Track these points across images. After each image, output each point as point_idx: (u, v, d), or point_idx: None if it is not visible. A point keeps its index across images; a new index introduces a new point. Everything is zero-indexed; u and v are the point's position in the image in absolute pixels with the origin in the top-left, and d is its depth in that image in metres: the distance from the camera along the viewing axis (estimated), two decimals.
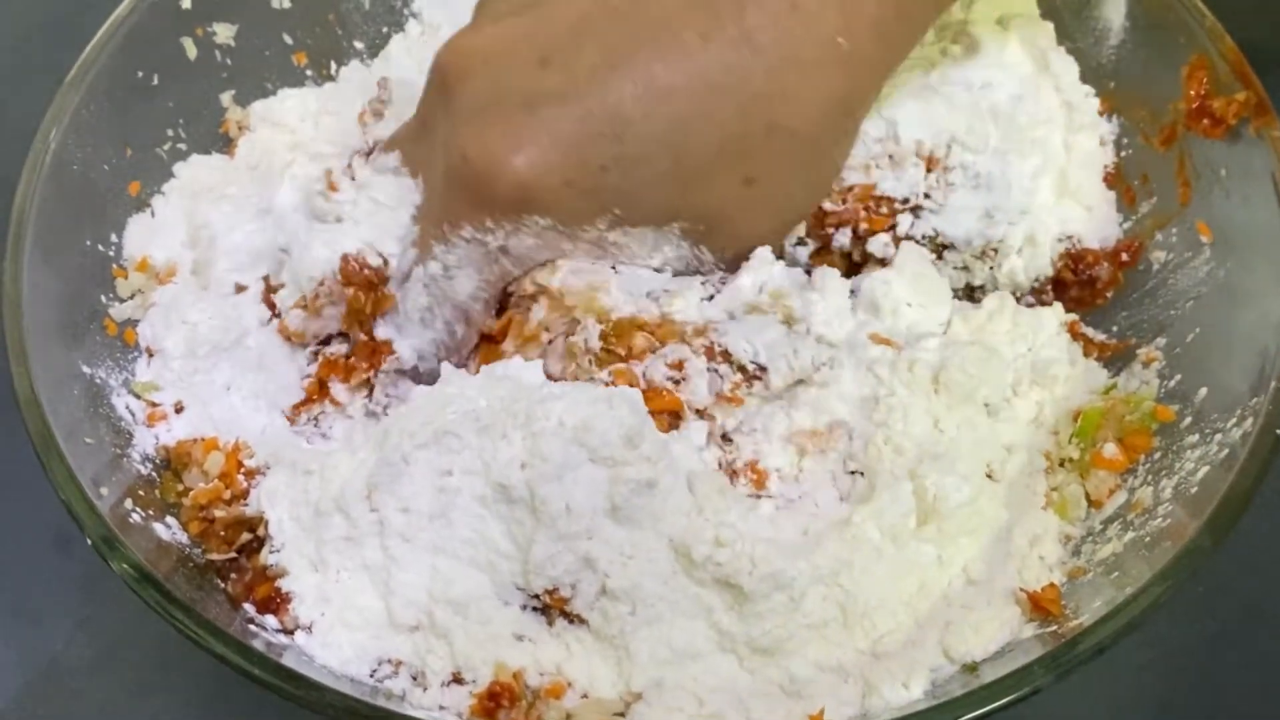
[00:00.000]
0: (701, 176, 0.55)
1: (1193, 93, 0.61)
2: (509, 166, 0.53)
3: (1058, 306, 0.62)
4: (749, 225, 0.58)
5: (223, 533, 0.56)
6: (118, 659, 0.67)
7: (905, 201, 0.61)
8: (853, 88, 0.57)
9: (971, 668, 0.51)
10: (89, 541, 0.50)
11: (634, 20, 0.54)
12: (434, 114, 0.57)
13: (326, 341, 0.62)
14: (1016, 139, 0.63)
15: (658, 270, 0.59)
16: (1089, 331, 0.63)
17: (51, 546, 0.70)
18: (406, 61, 0.74)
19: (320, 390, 0.62)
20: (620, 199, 0.55)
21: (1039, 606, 0.53)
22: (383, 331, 0.60)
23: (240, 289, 0.63)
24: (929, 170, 0.61)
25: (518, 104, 0.54)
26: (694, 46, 0.53)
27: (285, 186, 0.63)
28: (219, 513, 0.56)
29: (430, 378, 0.59)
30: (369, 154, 0.62)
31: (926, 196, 0.62)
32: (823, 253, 0.63)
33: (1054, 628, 0.51)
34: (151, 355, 0.62)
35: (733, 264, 0.60)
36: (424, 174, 0.59)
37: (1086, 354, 0.62)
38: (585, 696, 0.51)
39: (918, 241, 0.62)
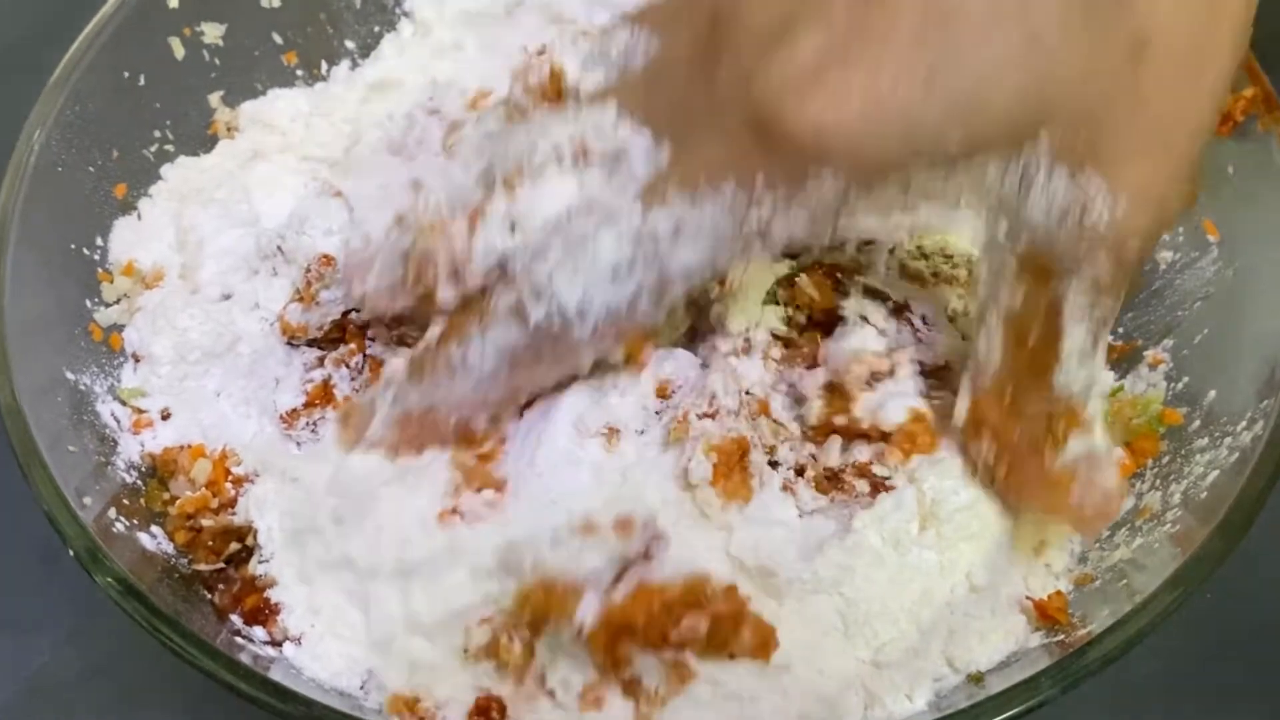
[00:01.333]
0: (1069, 44, 0.40)
1: None
2: (804, 106, 0.41)
3: None
4: (1147, 129, 0.43)
5: (210, 542, 0.55)
6: (107, 671, 0.66)
7: None
8: None
9: (977, 678, 0.50)
10: (71, 553, 0.49)
11: None
12: (701, 54, 0.46)
13: (331, 343, 0.61)
14: None
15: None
16: None
17: (40, 556, 0.69)
18: (398, 62, 0.73)
19: (324, 393, 0.60)
20: (957, 114, 0.41)
21: (1045, 615, 0.52)
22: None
23: (226, 296, 0.62)
24: None
25: (815, 20, 0.41)
26: None
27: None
28: (206, 522, 0.55)
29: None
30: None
31: None
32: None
33: (1061, 637, 0.50)
34: (138, 361, 0.61)
35: (1140, 211, 0.44)
36: (672, 127, 0.47)
37: None
38: None
39: None
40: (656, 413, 0.55)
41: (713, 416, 0.52)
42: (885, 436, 0.53)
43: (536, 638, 0.49)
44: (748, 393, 0.55)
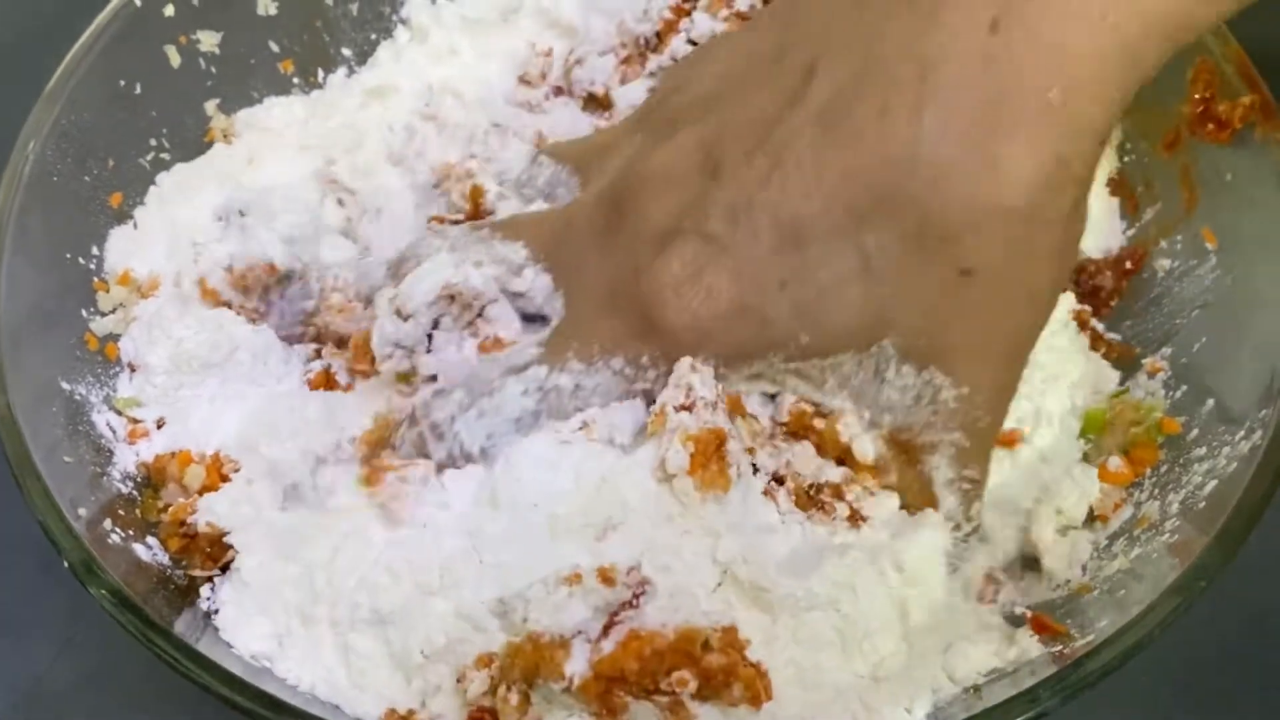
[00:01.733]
0: (902, 273, 0.47)
1: (1197, 96, 0.60)
2: (685, 305, 0.50)
3: (1069, 295, 0.61)
4: (979, 334, 0.49)
5: (208, 549, 0.55)
6: (103, 680, 0.66)
7: None
8: (1073, 150, 0.46)
9: (975, 690, 0.50)
10: (66, 564, 0.49)
11: (803, 110, 0.48)
12: (599, 229, 0.54)
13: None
14: None
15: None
16: (1097, 325, 0.62)
17: (37, 563, 0.68)
18: (394, 68, 0.73)
19: (326, 381, 0.60)
20: (803, 318, 0.49)
21: (1044, 626, 0.51)
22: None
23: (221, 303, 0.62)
24: None
25: (693, 231, 0.50)
26: (869, 123, 0.46)
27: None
28: (202, 528, 0.55)
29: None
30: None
31: None
32: None
33: (1060, 647, 0.50)
34: (134, 370, 0.60)
35: (985, 400, 0.51)
36: (569, 285, 0.56)
37: (1095, 348, 0.61)
38: None
39: None
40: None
41: (689, 409, 0.51)
42: (854, 462, 0.54)
43: (531, 688, 0.48)
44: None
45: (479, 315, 0.57)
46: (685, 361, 0.52)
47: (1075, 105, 0.45)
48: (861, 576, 0.51)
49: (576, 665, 0.47)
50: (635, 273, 0.51)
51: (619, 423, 0.54)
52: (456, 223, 0.63)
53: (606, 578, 0.48)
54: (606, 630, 0.48)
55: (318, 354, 0.62)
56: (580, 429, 0.53)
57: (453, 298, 0.56)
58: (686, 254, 0.50)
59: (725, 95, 0.53)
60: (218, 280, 0.62)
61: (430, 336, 0.57)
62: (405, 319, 0.57)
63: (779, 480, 0.53)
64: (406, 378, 0.58)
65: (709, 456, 0.50)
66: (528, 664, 0.48)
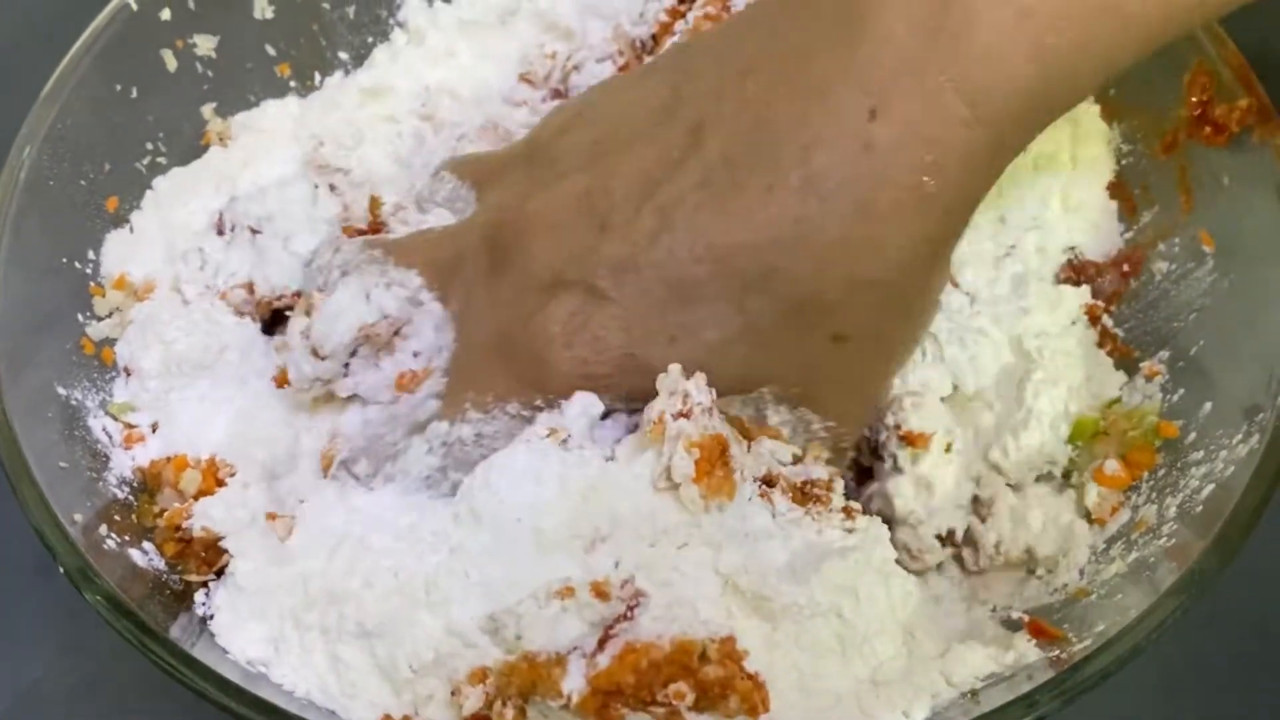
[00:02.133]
0: (780, 338, 0.50)
1: (1194, 100, 0.60)
2: (572, 353, 0.51)
3: (1083, 289, 0.61)
4: (846, 384, 0.53)
5: (203, 554, 0.55)
6: (101, 684, 0.66)
7: None
8: (942, 228, 0.50)
9: (973, 694, 0.50)
10: (62, 570, 0.49)
11: (692, 173, 0.50)
12: (485, 268, 0.55)
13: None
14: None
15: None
16: (1107, 322, 0.62)
17: (33, 568, 0.69)
18: (391, 69, 0.72)
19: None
20: (692, 370, 0.51)
21: (1041, 631, 0.51)
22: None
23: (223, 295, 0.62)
24: None
25: (580, 282, 0.51)
26: (756, 198, 0.48)
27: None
28: (197, 533, 0.55)
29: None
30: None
31: None
32: None
33: (1057, 652, 0.50)
34: (129, 375, 0.60)
35: (849, 430, 0.55)
36: (461, 319, 0.56)
37: (1101, 344, 0.61)
38: None
39: None
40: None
41: (687, 415, 0.51)
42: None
43: (527, 704, 0.48)
44: None
45: (396, 334, 0.57)
46: (675, 368, 0.52)
47: (947, 193, 0.48)
48: (862, 579, 0.51)
49: (574, 682, 0.47)
50: (524, 321, 0.52)
51: (601, 436, 0.53)
52: (362, 232, 0.63)
53: (600, 592, 0.48)
54: (602, 644, 0.48)
55: None
56: (548, 435, 0.53)
57: (368, 337, 0.57)
58: (574, 305, 0.51)
59: (613, 144, 0.54)
60: (238, 299, 0.62)
61: (347, 364, 0.58)
62: (323, 359, 0.57)
63: (769, 483, 0.53)
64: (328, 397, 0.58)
65: (714, 463, 0.50)
66: (524, 682, 0.47)
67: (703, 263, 0.49)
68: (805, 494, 0.53)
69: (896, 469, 0.57)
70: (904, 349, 0.56)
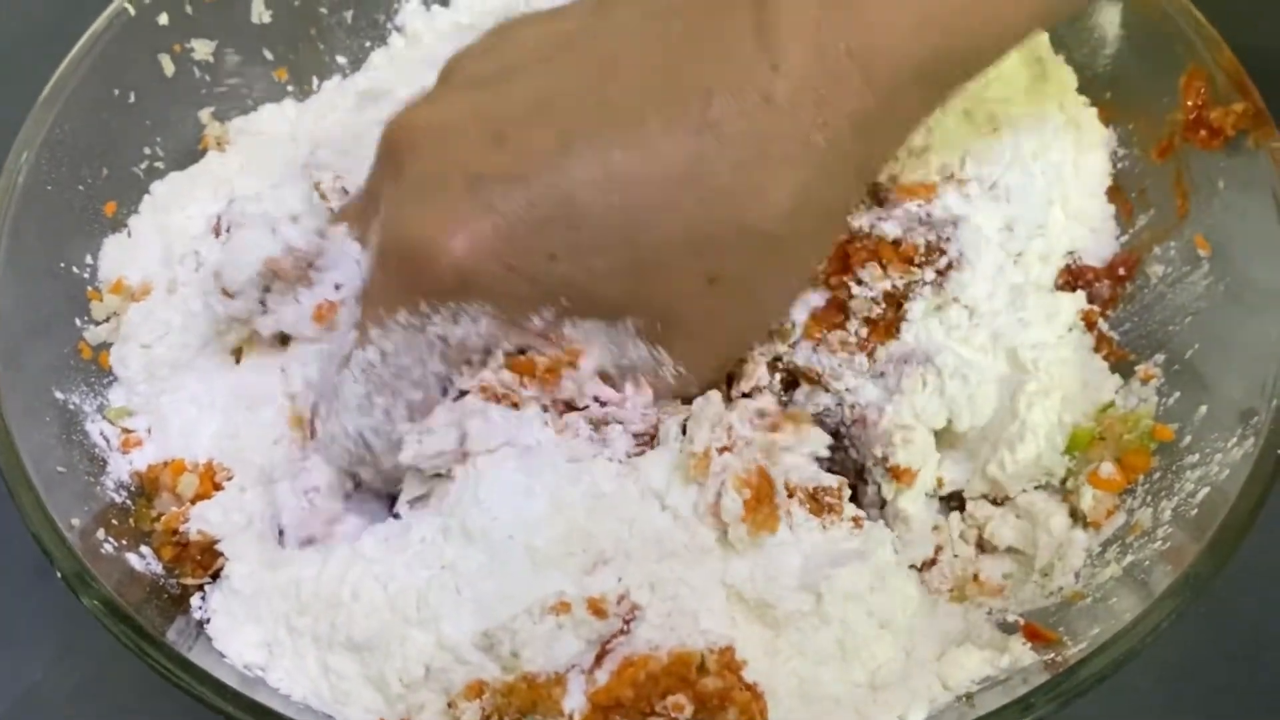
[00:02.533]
0: (660, 271, 0.52)
1: (1190, 104, 0.60)
2: (445, 248, 0.50)
3: (1079, 295, 0.61)
4: (709, 329, 0.55)
5: (199, 557, 0.55)
6: (99, 688, 0.66)
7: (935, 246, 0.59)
8: (829, 187, 0.52)
9: (968, 698, 0.50)
10: (59, 574, 0.49)
11: (594, 103, 0.51)
12: (379, 188, 0.55)
13: None
14: (1027, 152, 0.62)
15: (618, 373, 0.55)
16: (1103, 326, 0.62)
17: (32, 571, 0.69)
18: (389, 73, 0.73)
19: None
20: (569, 289, 0.52)
21: (1036, 634, 0.51)
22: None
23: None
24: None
25: (462, 182, 0.51)
26: (656, 134, 0.49)
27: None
28: (194, 536, 0.55)
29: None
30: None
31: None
32: (829, 313, 0.60)
33: (1053, 655, 0.50)
34: (121, 379, 0.61)
35: (697, 378, 0.56)
36: (370, 247, 0.56)
37: (1097, 349, 0.61)
38: None
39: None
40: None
41: (730, 449, 0.52)
42: None
43: (524, 718, 0.49)
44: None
45: (310, 267, 0.57)
46: (715, 396, 0.52)
47: (836, 148, 0.50)
48: (869, 584, 0.51)
49: (574, 701, 0.47)
50: (403, 223, 0.52)
51: (651, 471, 0.53)
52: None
53: (597, 609, 0.48)
54: (599, 659, 0.48)
55: None
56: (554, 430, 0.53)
57: (276, 272, 0.56)
58: (454, 206, 0.50)
59: (519, 68, 0.54)
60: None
61: (264, 301, 0.58)
62: (233, 296, 0.57)
63: (788, 493, 0.53)
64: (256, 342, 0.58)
65: (761, 500, 0.51)
66: (524, 702, 0.48)
67: (597, 189, 0.50)
68: (819, 502, 0.53)
69: (880, 498, 0.57)
70: (771, 309, 0.58)
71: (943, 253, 0.58)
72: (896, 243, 0.58)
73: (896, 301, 0.59)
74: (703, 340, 0.55)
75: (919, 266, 0.58)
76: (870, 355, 0.58)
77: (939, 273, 0.58)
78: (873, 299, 0.58)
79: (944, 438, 0.58)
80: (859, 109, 0.50)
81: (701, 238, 0.51)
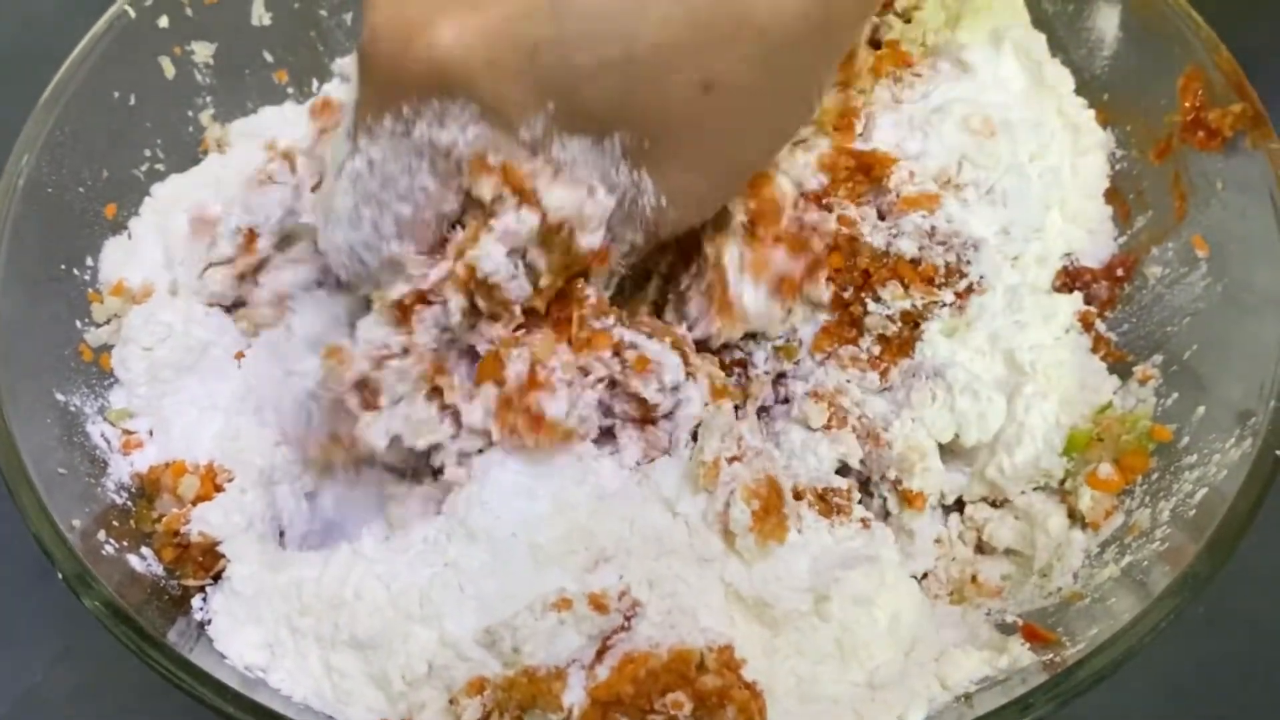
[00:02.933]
0: (653, 71, 0.48)
1: (1188, 105, 0.60)
2: (422, 39, 0.47)
3: (1076, 296, 0.62)
4: (698, 150, 0.51)
5: (200, 558, 0.55)
6: (100, 688, 0.66)
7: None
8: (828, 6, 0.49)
9: (966, 698, 0.50)
10: (60, 575, 0.49)
11: None
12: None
13: None
14: (1025, 156, 0.62)
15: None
16: (1100, 327, 0.62)
17: (32, 572, 0.68)
18: None
19: None
20: (555, 89, 0.48)
21: (1035, 635, 0.51)
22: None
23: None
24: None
25: None
26: None
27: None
28: (195, 538, 0.55)
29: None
30: None
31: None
32: (840, 327, 0.60)
33: (1051, 655, 0.50)
34: (122, 381, 0.60)
35: (676, 218, 0.53)
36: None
37: (1095, 350, 0.61)
38: None
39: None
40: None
41: (740, 459, 0.52)
42: None
43: (526, 715, 0.49)
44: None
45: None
46: (727, 406, 0.52)
47: None
48: (875, 584, 0.52)
49: (574, 695, 0.47)
50: (380, 15, 0.49)
51: (662, 480, 0.54)
52: None
53: (599, 605, 0.48)
54: (600, 655, 0.48)
55: None
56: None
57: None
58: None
59: None
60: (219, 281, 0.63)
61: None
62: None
63: (797, 496, 0.53)
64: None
65: (770, 510, 0.51)
66: (524, 696, 0.48)
67: None
68: (828, 503, 0.53)
69: (885, 509, 0.57)
70: (764, 140, 0.55)
71: (963, 275, 0.59)
72: (915, 262, 0.58)
73: (914, 321, 0.59)
74: (690, 163, 0.52)
75: (939, 288, 0.58)
76: (883, 374, 0.58)
77: (958, 295, 0.59)
78: (889, 317, 0.58)
79: (947, 447, 0.58)
80: None
81: (701, 33, 0.48)
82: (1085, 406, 0.59)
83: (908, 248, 0.58)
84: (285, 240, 0.62)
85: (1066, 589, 0.54)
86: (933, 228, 0.59)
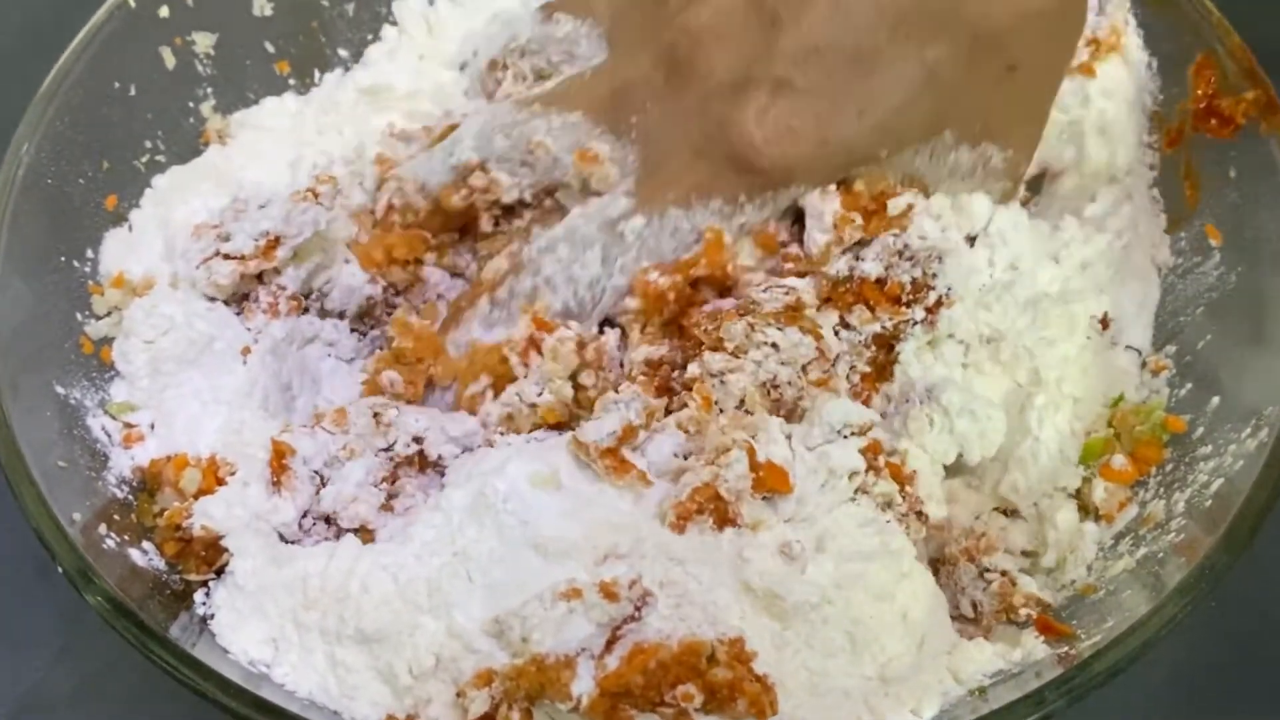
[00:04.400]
0: (961, 80, 0.56)
1: (1200, 92, 0.60)
2: (770, 150, 0.55)
3: (1090, 300, 0.60)
4: (1023, 112, 0.59)
5: (203, 553, 0.55)
6: (100, 686, 0.66)
7: None
8: None
9: (980, 691, 0.49)
10: (60, 570, 0.48)
11: None
12: (662, 90, 0.59)
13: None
14: None
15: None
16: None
17: (32, 570, 0.68)
18: (387, 67, 0.72)
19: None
20: (883, 135, 0.56)
21: (1049, 628, 0.51)
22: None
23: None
24: None
25: (765, 79, 0.55)
26: None
27: None
28: (198, 532, 0.55)
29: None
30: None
31: None
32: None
33: (1066, 649, 0.50)
34: (124, 374, 0.60)
35: (1031, 149, 0.60)
36: (648, 136, 0.60)
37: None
38: None
39: None
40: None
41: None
42: None
43: (534, 706, 0.48)
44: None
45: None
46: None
47: None
48: (892, 579, 0.51)
49: (583, 684, 0.47)
50: (720, 126, 0.57)
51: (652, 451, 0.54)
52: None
53: (609, 593, 0.48)
54: (610, 645, 0.48)
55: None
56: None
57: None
58: (763, 101, 0.56)
59: None
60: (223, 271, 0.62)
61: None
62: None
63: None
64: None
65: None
66: (532, 685, 0.47)
67: (878, 29, 0.54)
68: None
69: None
70: (1060, 73, 0.61)
71: (930, 289, 0.58)
72: (880, 282, 0.58)
73: (887, 343, 0.58)
74: (1018, 123, 0.60)
75: (907, 305, 0.57)
76: (865, 402, 0.57)
77: (928, 310, 0.58)
78: (862, 343, 0.57)
79: (952, 466, 0.57)
80: None
81: (991, 32, 0.55)
82: (1098, 405, 0.58)
83: (872, 269, 0.58)
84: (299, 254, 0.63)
85: (1080, 582, 0.54)
86: (905, 245, 0.58)
